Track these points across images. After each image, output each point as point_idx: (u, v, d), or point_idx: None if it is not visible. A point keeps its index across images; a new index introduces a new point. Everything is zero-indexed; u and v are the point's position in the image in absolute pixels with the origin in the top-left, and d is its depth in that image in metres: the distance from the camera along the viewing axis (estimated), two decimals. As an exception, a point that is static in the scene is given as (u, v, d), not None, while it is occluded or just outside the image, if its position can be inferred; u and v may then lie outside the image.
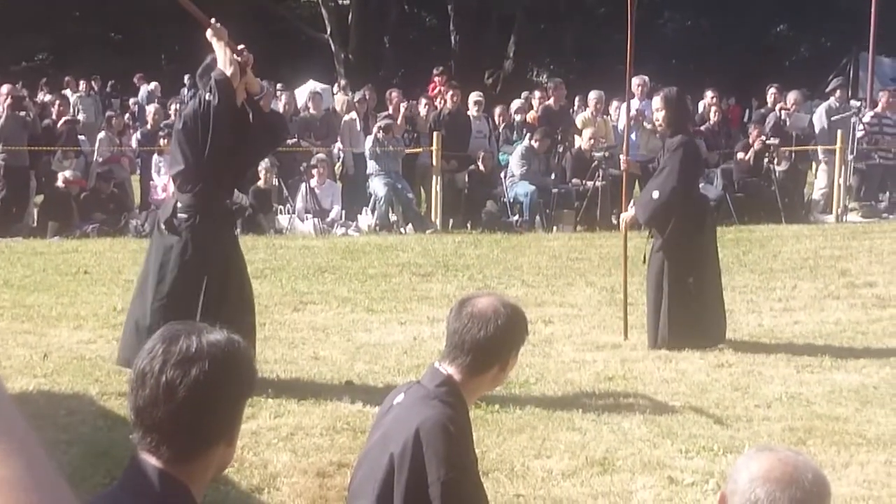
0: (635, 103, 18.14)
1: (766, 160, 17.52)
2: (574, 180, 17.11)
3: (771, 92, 19.68)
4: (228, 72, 7.57)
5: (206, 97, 7.50)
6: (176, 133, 7.85)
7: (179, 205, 7.68)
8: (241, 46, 7.73)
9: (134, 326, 7.69)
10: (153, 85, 27.01)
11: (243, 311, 7.69)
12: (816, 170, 19.07)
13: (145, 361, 2.47)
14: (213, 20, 7.65)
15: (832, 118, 18.36)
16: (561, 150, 17.51)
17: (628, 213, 9.95)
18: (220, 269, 7.68)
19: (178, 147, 7.69)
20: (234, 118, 7.65)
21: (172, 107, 19.63)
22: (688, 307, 9.21)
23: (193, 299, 7.43)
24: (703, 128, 19.35)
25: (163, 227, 7.73)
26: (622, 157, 10.27)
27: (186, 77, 24.90)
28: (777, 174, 17.47)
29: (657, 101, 9.77)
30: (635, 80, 18.26)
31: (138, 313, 7.72)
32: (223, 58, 7.65)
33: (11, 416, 0.78)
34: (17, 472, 0.82)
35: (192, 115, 7.61)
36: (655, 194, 9.37)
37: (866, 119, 18.81)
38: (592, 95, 18.56)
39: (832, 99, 19.07)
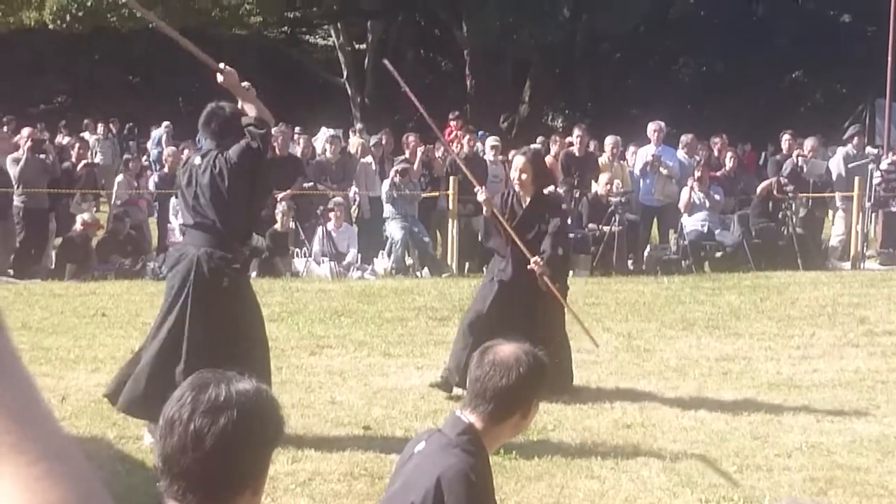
0: (651, 149, 18.19)
1: (783, 206, 17.50)
2: (590, 225, 17.11)
3: (785, 138, 19.69)
4: (253, 113, 7.62)
5: (253, 145, 7.52)
6: (203, 185, 7.64)
7: (218, 252, 7.63)
8: (245, 84, 7.75)
9: (143, 373, 7.62)
10: (165, 125, 27.10)
11: (259, 354, 7.66)
12: (834, 216, 19.03)
13: (174, 409, 2.48)
14: (221, 65, 7.66)
15: (849, 165, 18.35)
16: (577, 194, 17.53)
17: (542, 272, 9.17)
18: (234, 313, 7.65)
19: (208, 198, 7.59)
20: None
21: (185, 151, 19.66)
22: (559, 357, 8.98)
23: (208, 345, 7.41)
24: (718, 173, 19.37)
25: (174, 271, 7.71)
26: (480, 191, 9.64)
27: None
28: (794, 220, 17.46)
29: (519, 162, 9.47)
30: (651, 126, 18.32)
31: (152, 360, 7.66)
32: (248, 102, 7.69)
33: (66, 441, 0.78)
34: (75, 495, 0.82)
35: (236, 165, 7.55)
36: (560, 251, 9.26)
37: (884, 166, 18.80)
38: (609, 140, 18.59)
39: (849, 146, 19.07)
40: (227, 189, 7.55)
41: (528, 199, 9.35)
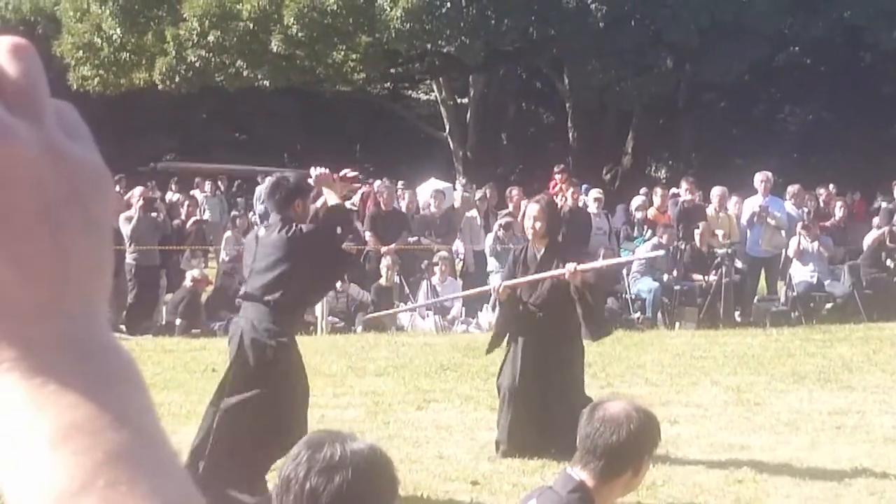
0: (758, 199, 18.00)
1: (895, 256, 17.17)
2: (696, 276, 16.96)
3: (896, 186, 19.36)
4: (335, 202, 7.75)
5: (338, 231, 7.62)
6: (262, 256, 7.68)
7: (266, 325, 7.60)
8: (345, 171, 7.88)
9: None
10: (269, 179, 27.56)
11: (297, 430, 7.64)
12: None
13: (290, 468, 2.51)
14: (311, 170, 7.78)
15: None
16: (683, 246, 17.40)
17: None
18: (274, 387, 7.53)
19: (264, 269, 7.62)
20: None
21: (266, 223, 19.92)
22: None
23: (239, 416, 7.47)
24: (827, 223, 19.10)
25: (248, 344, 7.61)
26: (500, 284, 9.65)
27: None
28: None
29: (533, 210, 9.32)
30: (758, 176, 18.14)
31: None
32: (335, 195, 7.78)
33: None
34: None
35: (305, 243, 7.56)
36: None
37: None
38: (715, 191, 18.44)
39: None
40: (289, 264, 7.54)
41: (543, 250, 9.22)
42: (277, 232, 7.63)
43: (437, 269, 16.55)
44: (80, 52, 28.42)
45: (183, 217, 19.58)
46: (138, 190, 18.03)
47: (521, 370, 9.12)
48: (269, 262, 7.63)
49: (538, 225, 9.14)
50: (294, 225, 7.59)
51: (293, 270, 7.57)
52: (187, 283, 16.17)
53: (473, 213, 18.31)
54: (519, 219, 9.71)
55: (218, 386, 7.85)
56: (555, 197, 19.27)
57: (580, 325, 9.13)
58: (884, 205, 19.70)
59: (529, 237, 9.39)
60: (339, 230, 7.66)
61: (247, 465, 7.28)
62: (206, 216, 23.09)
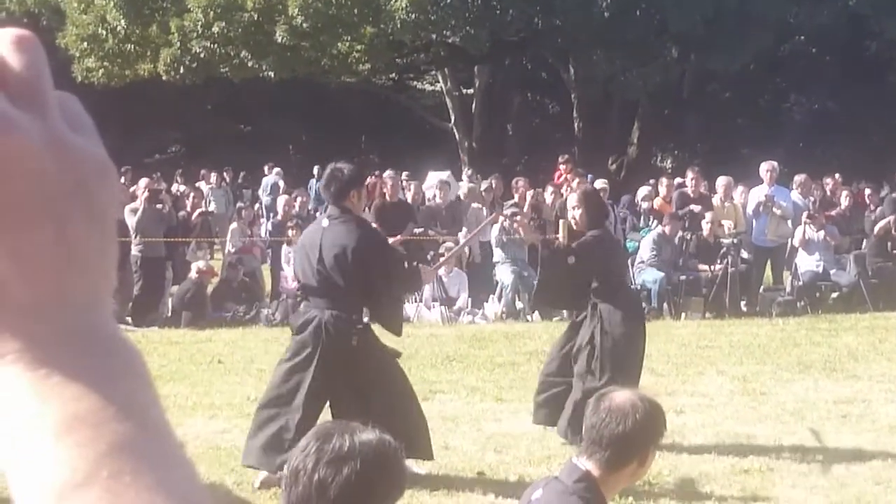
0: (764, 189, 17.98)
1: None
2: (701, 266, 16.95)
3: (900, 175, 19.31)
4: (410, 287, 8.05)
5: (394, 294, 8.06)
6: (328, 249, 7.77)
7: (323, 314, 7.76)
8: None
9: (269, 431, 7.76)
10: (276, 171, 27.56)
11: (404, 407, 7.77)
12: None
13: (299, 459, 2.52)
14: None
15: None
16: (689, 236, 17.38)
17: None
18: (369, 371, 7.76)
19: (333, 263, 7.72)
20: None
21: (298, 199, 19.94)
22: None
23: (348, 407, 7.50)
24: (833, 213, 19.08)
25: (301, 337, 7.81)
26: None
27: (316, 168, 25.44)
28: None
29: (574, 199, 9.44)
30: (764, 166, 18.11)
31: (274, 417, 7.79)
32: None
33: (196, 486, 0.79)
34: None
35: (383, 257, 7.90)
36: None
37: None
38: (721, 181, 18.43)
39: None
40: (351, 267, 7.71)
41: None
42: (344, 236, 7.74)
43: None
44: (85, 43, 28.41)
45: (188, 209, 19.60)
46: (143, 182, 18.04)
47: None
48: (338, 259, 7.72)
49: (577, 212, 9.21)
50: (361, 238, 7.75)
51: (358, 275, 7.71)
52: (193, 274, 16.19)
53: (479, 203, 18.29)
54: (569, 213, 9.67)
55: (297, 384, 7.81)
56: (560, 188, 19.31)
57: None
58: (891, 194, 19.64)
59: (575, 226, 9.34)
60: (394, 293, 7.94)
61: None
62: (212, 208, 23.12)
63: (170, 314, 16.19)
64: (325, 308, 7.76)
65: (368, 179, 16.65)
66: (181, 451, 0.77)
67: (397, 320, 8.29)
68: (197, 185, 25.78)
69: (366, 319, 7.88)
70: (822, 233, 17.28)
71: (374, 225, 7.78)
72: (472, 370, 12.27)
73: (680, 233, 17.03)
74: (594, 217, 9.32)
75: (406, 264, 8.51)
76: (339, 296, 7.73)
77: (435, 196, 18.60)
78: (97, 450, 0.68)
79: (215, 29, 26.68)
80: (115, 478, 0.68)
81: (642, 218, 18.16)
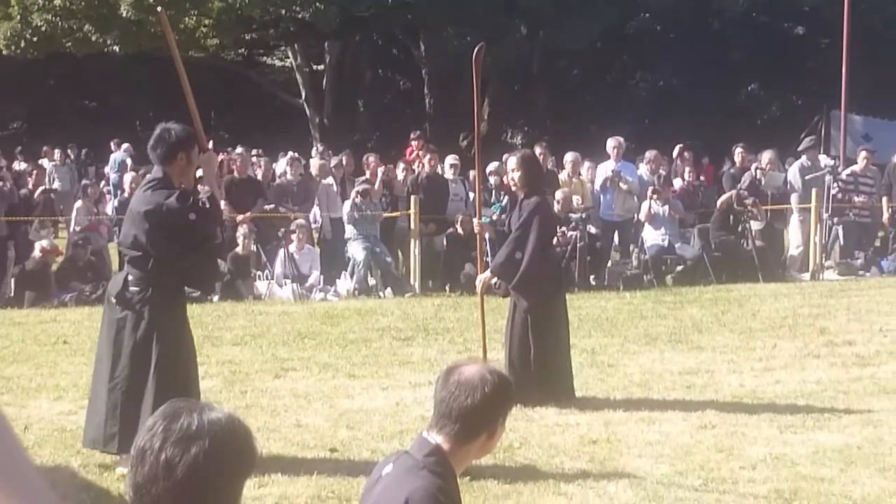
0: (610, 164, 18.29)
1: (742, 219, 17.58)
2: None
3: (738, 151, 19.73)
4: (217, 192, 7.69)
5: (191, 217, 7.35)
6: (143, 219, 7.46)
7: (131, 278, 7.52)
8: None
9: (95, 408, 7.61)
10: (125, 147, 26.90)
11: (192, 385, 7.60)
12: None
13: (145, 439, 2.47)
14: (209, 144, 7.72)
15: (806, 177, 18.48)
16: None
17: (485, 275, 9.83)
18: (173, 343, 7.50)
19: (146, 234, 7.42)
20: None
21: (147, 176, 19.58)
22: (553, 365, 9.59)
23: (147, 375, 7.37)
24: (677, 187, 19.51)
25: (113, 300, 7.55)
26: (475, 220, 10.22)
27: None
28: (753, 233, 17.57)
29: (512, 162, 9.94)
30: (610, 142, 18.41)
31: (99, 394, 7.64)
32: (215, 182, 7.79)
33: (21, 461, 0.77)
34: None
35: (176, 214, 7.37)
36: (518, 255, 9.53)
37: (843, 177, 18.97)
38: (569, 157, 18.70)
39: (804, 157, 19.15)
40: (147, 231, 7.43)
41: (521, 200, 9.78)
42: (149, 197, 7.46)
43: (294, 236, 16.44)
44: (-81, 15, 27.43)
45: (30, 186, 19.08)
46: (-17, 159, 17.51)
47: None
48: (135, 223, 7.50)
49: (516, 175, 9.73)
50: (163, 196, 7.41)
51: (160, 243, 7.45)
52: (36, 254, 15.78)
53: (330, 180, 18.21)
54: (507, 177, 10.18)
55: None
56: (411, 164, 19.34)
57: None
58: (731, 169, 20.14)
59: (513, 189, 10.21)
60: (195, 217, 7.43)
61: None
62: (56, 185, 22.55)
63: (12, 294, 15.76)
64: (123, 272, 7.77)
65: (220, 156, 16.46)
66: (28, 460, 0.75)
67: (205, 280, 8.39)
68: (39, 161, 25.09)
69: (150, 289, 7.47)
70: (666, 207, 17.66)
71: (186, 197, 7.40)
72: (325, 347, 12.24)
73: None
74: (532, 180, 9.77)
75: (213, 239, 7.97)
76: (133, 260, 7.55)
77: (286, 172, 18.46)
78: None
79: (57, 2, 26.00)
80: None
81: (494, 193, 18.29)
